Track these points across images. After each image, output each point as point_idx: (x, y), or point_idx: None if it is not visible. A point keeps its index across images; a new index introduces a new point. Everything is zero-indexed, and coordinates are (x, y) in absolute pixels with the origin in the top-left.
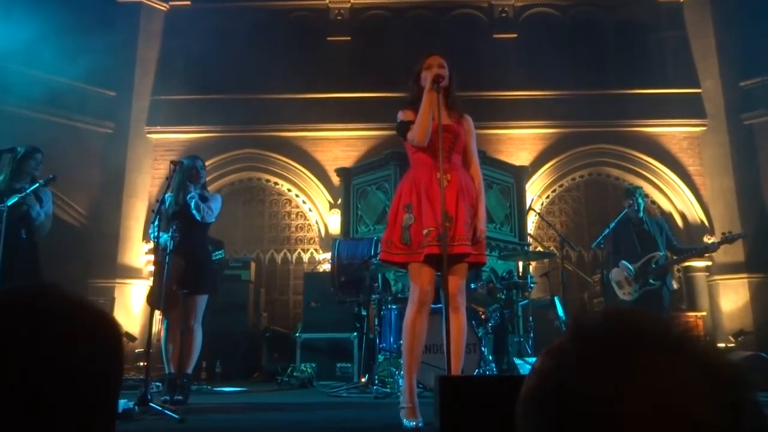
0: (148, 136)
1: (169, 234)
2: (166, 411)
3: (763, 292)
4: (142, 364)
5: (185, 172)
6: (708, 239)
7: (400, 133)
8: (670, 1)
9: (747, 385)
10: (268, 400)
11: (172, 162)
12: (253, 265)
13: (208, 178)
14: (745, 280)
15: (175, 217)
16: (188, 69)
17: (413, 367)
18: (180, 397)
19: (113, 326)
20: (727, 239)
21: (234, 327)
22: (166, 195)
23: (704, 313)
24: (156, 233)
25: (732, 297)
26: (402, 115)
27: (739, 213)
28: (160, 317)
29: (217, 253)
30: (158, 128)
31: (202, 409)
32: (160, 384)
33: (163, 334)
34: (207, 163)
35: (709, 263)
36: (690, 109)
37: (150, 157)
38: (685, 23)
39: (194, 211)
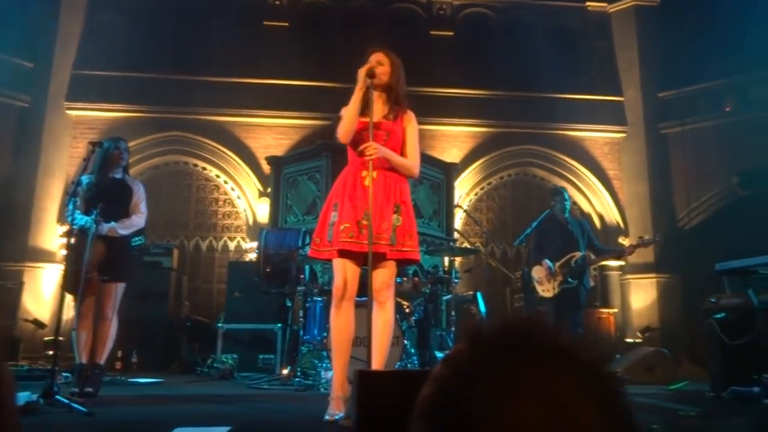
0: (68, 112)
1: (92, 218)
2: (73, 404)
3: (669, 292)
4: (50, 353)
5: (106, 154)
6: (623, 240)
7: (336, 127)
8: (599, 11)
9: (623, 393)
10: (185, 391)
11: (91, 143)
12: (176, 252)
13: (131, 159)
14: (654, 280)
15: (96, 200)
16: (115, 44)
17: (338, 360)
18: (90, 390)
19: None
20: (642, 243)
21: (153, 315)
22: (83, 177)
23: (616, 310)
24: (72, 216)
25: (641, 295)
26: (342, 111)
27: (652, 217)
28: (73, 304)
29: (136, 239)
30: (79, 104)
31: (114, 402)
32: (69, 375)
33: (75, 322)
34: (131, 144)
35: (623, 263)
36: (612, 116)
37: (69, 135)
38: (612, 34)
39: (122, 232)
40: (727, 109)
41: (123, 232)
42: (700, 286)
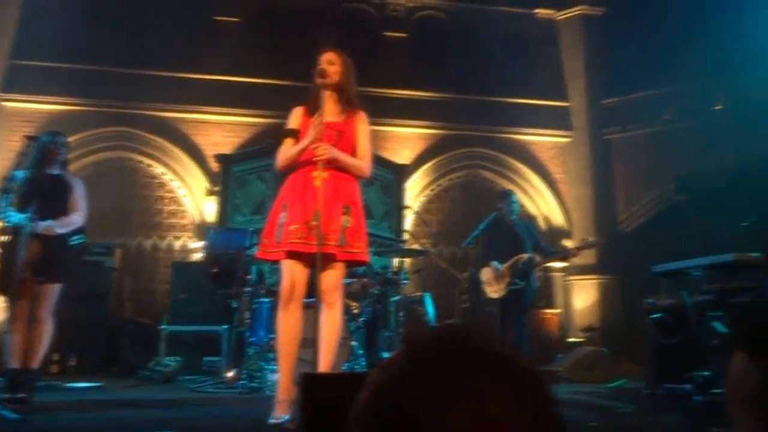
0: (3, 104)
1: (27, 216)
2: (3, 411)
3: (610, 293)
4: None
5: (42, 149)
6: (567, 242)
7: (278, 139)
8: (547, 18)
9: (551, 398)
10: (126, 396)
11: (26, 137)
12: (118, 251)
13: (72, 155)
14: (596, 281)
15: (32, 196)
16: (56, 34)
17: (284, 362)
18: (23, 395)
19: None
20: (585, 245)
21: (93, 317)
22: (17, 172)
23: (559, 311)
24: (5, 213)
25: (583, 296)
26: (291, 117)
27: (594, 220)
28: (5, 304)
29: (75, 237)
30: (15, 96)
31: (49, 407)
32: (0, 380)
33: (6, 324)
34: (72, 139)
35: (566, 265)
36: (558, 120)
37: (4, 128)
38: (559, 41)
39: (59, 230)
40: (666, 117)
41: (60, 230)
42: (639, 287)
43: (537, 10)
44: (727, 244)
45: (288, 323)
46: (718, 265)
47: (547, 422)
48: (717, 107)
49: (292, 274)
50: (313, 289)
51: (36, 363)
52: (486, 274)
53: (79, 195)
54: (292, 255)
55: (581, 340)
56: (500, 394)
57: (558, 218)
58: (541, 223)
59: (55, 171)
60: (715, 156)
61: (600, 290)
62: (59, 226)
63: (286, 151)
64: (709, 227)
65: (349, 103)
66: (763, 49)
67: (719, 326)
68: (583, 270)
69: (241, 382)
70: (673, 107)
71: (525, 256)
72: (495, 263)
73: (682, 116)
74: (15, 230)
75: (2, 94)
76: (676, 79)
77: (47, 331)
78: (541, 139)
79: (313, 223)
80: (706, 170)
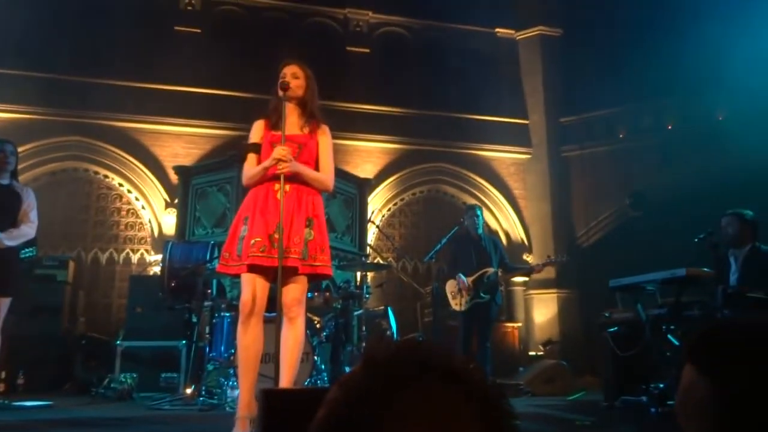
0: None
1: None
2: None
3: (569, 306)
4: None
5: None
6: (527, 257)
7: (241, 154)
8: (508, 37)
9: (510, 412)
10: (78, 414)
11: None
12: (71, 264)
13: (24, 164)
14: (555, 295)
15: None
16: (7, 39)
17: (244, 378)
18: None
19: None
20: (550, 262)
21: (44, 332)
22: None
23: (520, 324)
24: None
25: (543, 310)
26: (252, 131)
27: (553, 235)
28: None
29: (26, 250)
30: None
31: None
32: None
33: None
34: (24, 148)
35: (527, 279)
36: (518, 137)
37: None
38: (519, 60)
39: (8, 243)
40: (621, 135)
41: (10, 243)
42: (596, 301)
43: (497, 29)
44: (680, 259)
45: (249, 338)
46: (671, 280)
47: None
48: (669, 126)
49: (253, 287)
50: (274, 304)
51: None
52: (451, 286)
53: (30, 205)
54: (254, 269)
55: (541, 353)
56: (458, 408)
57: (518, 233)
58: (502, 238)
59: (5, 181)
60: (669, 172)
61: (559, 304)
62: (8, 239)
63: (250, 169)
64: (662, 242)
65: (311, 116)
66: (716, 69)
67: (673, 339)
68: (543, 284)
69: (200, 398)
70: (627, 125)
71: (490, 270)
72: (461, 276)
73: (637, 134)
74: None
75: None
76: (631, 98)
77: None
78: (502, 155)
79: (276, 236)
80: (661, 186)
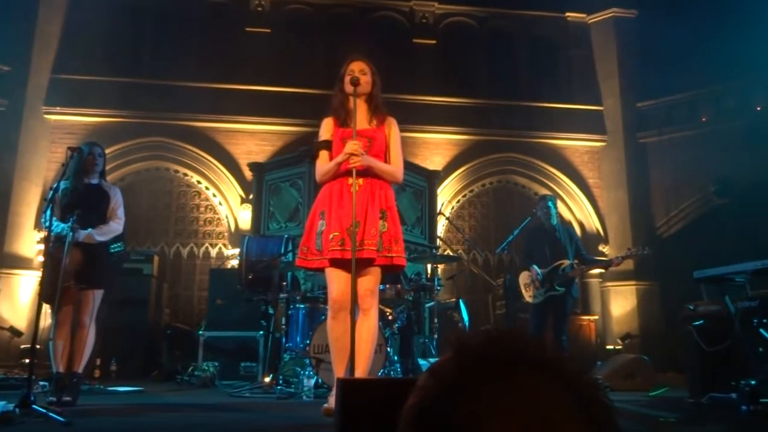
0: (46, 116)
1: (69, 225)
2: (50, 413)
3: (648, 299)
4: (26, 361)
5: (81, 160)
6: (603, 248)
7: (313, 152)
8: (579, 21)
9: (607, 405)
10: (166, 400)
11: (69, 148)
12: (156, 258)
13: (111, 165)
14: (634, 287)
15: (72, 206)
16: (94, 48)
17: (339, 367)
18: (68, 398)
19: None
20: (631, 255)
21: (133, 323)
22: (61, 182)
23: (596, 317)
24: (49, 222)
25: (621, 302)
26: (322, 128)
27: (631, 225)
28: (50, 311)
29: (115, 245)
30: (57, 109)
31: (93, 411)
32: (46, 384)
33: (51, 330)
34: (111, 150)
35: (602, 271)
36: (592, 125)
37: (47, 140)
38: (591, 44)
39: (99, 238)
40: (704, 119)
41: (100, 238)
42: (678, 294)
43: (568, 14)
44: None
45: (339, 330)
46: (763, 270)
47: (604, 428)
48: (758, 108)
49: (340, 283)
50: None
51: (80, 367)
52: (525, 278)
53: (117, 203)
54: (335, 263)
55: (620, 347)
56: (555, 401)
57: (593, 223)
58: (577, 229)
59: (94, 180)
60: (756, 157)
61: (638, 297)
62: (99, 234)
63: (323, 165)
64: (752, 230)
65: (377, 109)
66: None
67: (765, 333)
68: (621, 276)
69: (278, 387)
70: (710, 108)
71: (566, 262)
72: (535, 268)
73: (720, 117)
74: (58, 240)
75: (45, 107)
76: (713, 80)
77: (90, 336)
78: (575, 143)
79: (352, 229)
80: (747, 171)
